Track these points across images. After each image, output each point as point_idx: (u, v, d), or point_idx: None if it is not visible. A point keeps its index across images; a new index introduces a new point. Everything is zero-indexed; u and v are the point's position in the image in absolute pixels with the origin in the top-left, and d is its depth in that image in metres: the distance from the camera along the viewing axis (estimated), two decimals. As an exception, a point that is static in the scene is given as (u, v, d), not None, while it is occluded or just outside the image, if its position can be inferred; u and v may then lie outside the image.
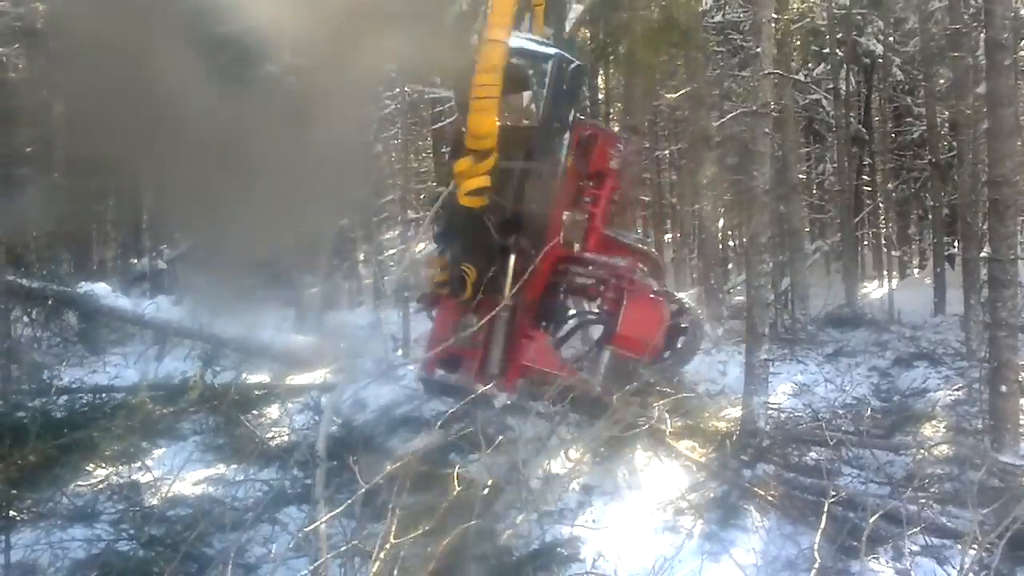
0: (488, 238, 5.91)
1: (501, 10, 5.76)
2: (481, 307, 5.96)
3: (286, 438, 7.07)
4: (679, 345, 6.98)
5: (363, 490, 4.98)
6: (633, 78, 11.79)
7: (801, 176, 21.60)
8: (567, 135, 6.33)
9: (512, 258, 5.96)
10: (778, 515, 6.02)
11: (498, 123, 5.73)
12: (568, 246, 6.58)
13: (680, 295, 7.12)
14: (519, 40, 6.16)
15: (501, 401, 5.90)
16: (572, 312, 7.04)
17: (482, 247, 5.95)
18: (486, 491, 5.32)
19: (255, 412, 7.63)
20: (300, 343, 9.76)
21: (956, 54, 14.16)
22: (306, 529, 4.75)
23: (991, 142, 7.70)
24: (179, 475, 5.96)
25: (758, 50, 7.97)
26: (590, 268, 6.51)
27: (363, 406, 7.88)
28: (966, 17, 14.16)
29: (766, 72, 7.90)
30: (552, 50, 6.47)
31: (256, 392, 8.11)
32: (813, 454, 7.41)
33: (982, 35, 10.43)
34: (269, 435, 7.15)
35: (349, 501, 4.99)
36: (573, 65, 6.40)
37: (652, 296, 6.51)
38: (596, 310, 6.52)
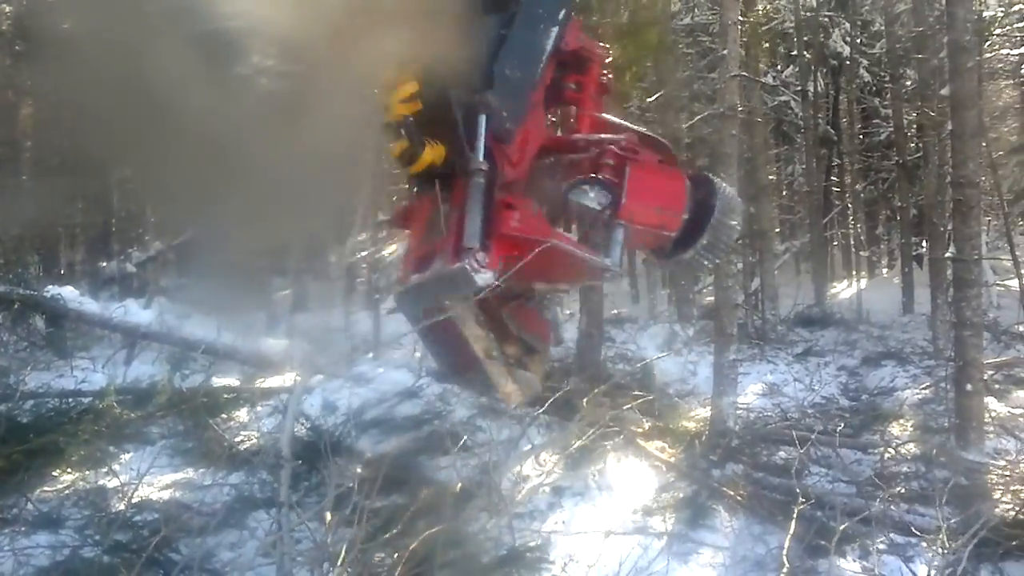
0: (449, 109, 4.61)
1: None
2: (453, 190, 4.77)
3: (255, 442, 7.02)
4: (702, 224, 5.35)
5: (332, 494, 4.99)
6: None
7: (771, 177, 21.77)
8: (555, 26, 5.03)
9: (482, 119, 4.73)
10: (747, 514, 6.05)
11: None
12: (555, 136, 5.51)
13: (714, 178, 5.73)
14: None
15: (485, 279, 4.26)
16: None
17: (443, 119, 4.64)
18: (456, 494, 5.34)
19: (224, 416, 7.59)
20: (269, 346, 9.71)
21: (921, 56, 14.32)
22: (272, 535, 4.76)
23: (954, 143, 7.79)
24: (146, 479, 5.90)
25: (724, 52, 8.04)
26: (581, 147, 5.29)
27: (333, 408, 7.86)
28: (931, 20, 14.33)
29: (732, 74, 7.96)
30: None
31: (225, 395, 8.07)
32: (782, 453, 7.46)
33: (946, 38, 10.54)
34: (238, 439, 7.10)
35: (319, 506, 5.01)
36: None
37: (666, 167, 5.43)
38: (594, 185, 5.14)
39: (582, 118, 5.45)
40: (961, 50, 7.50)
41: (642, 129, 6.06)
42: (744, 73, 10.07)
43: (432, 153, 4.50)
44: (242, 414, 7.84)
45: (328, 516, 4.84)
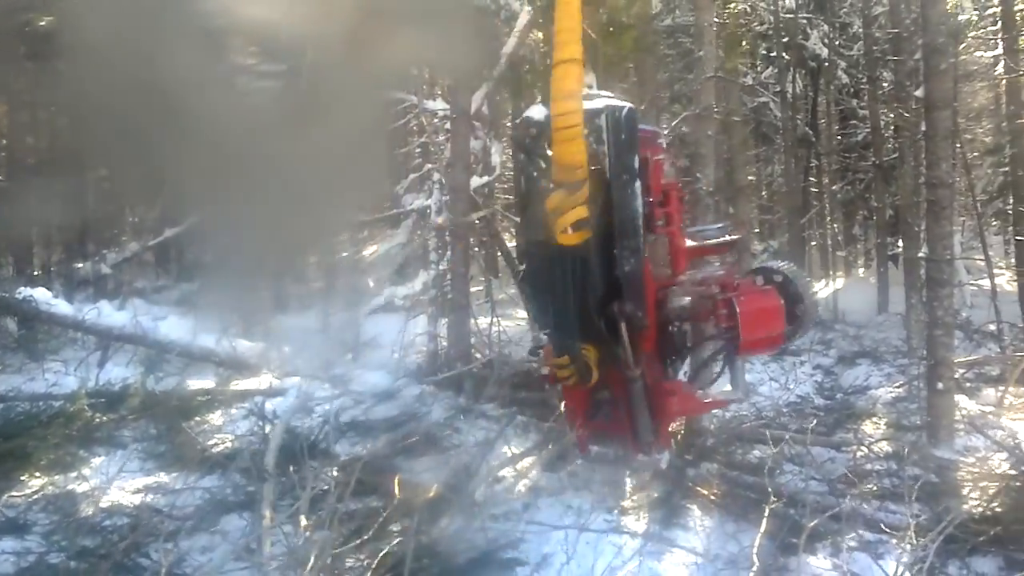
0: (590, 309, 5.67)
1: (568, 25, 5.18)
2: (610, 379, 5.92)
3: (229, 445, 6.99)
4: (799, 315, 6.44)
5: (308, 498, 4.98)
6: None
7: (751, 178, 21.86)
8: (638, 183, 5.85)
9: (623, 325, 5.68)
10: (721, 513, 6.08)
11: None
12: (661, 279, 6.22)
13: (779, 263, 6.67)
14: None
15: (665, 460, 6.09)
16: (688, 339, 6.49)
17: (589, 321, 5.68)
18: (431, 496, 5.33)
19: (198, 419, 7.56)
20: (246, 348, 9.66)
21: (897, 58, 14.42)
22: (246, 540, 4.75)
23: (928, 144, 7.85)
24: (117, 484, 5.88)
25: (701, 54, 8.08)
26: (688, 291, 6.17)
27: (309, 411, 7.84)
28: (907, 22, 14.44)
29: (708, 76, 8.00)
30: (600, 103, 5.97)
31: (199, 398, 8.03)
32: (757, 452, 7.49)
33: (920, 40, 10.62)
34: (212, 442, 7.06)
35: (293, 509, 5.01)
36: (625, 111, 5.89)
37: (760, 289, 6.26)
38: (713, 330, 6.09)
39: (676, 252, 6.27)
40: (935, 52, 7.55)
41: (720, 236, 6.81)
42: (720, 75, 10.12)
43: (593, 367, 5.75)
44: (216, 417, 7.81)
45: (303, 520, 4.85)
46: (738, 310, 5.85)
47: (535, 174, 5.87)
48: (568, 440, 6.25)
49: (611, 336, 5.70)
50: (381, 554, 4.52)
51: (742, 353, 6.17)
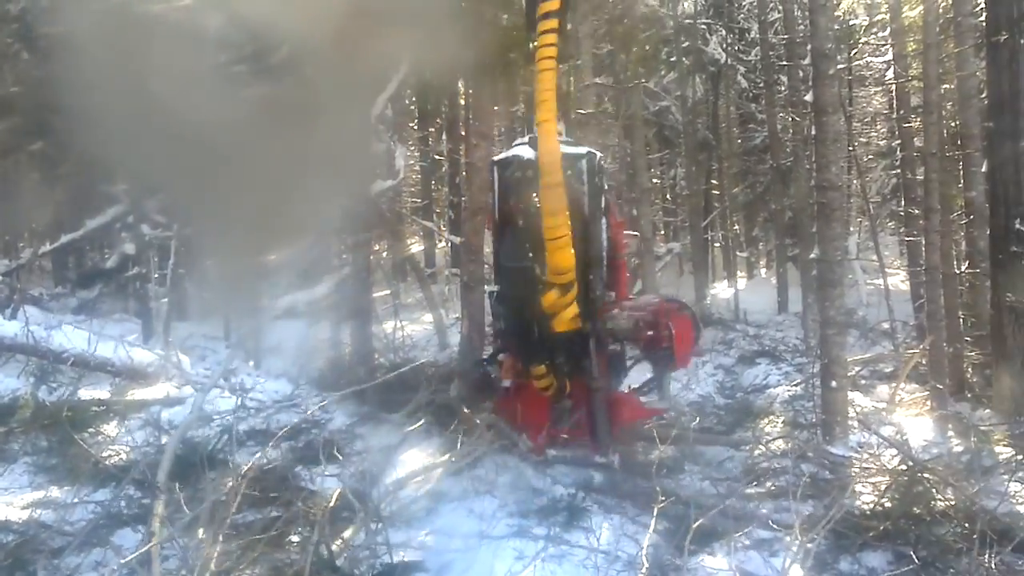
0: (570, 337, 6.70)
1: (550, 160, 6.20)
2: (573, 390, 7.12)
3: (124, 457, 6.80)
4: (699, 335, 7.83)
5: (207, 510, 4.87)
6: (480, 87, 11.85)
7: (655, 181, 22.19)
8: (604, 220, 7.06)
9: (592, 342, 6.79)
10: (621, 514, 6.12)
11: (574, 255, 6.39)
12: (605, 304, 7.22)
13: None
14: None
15: (617, 462, 6.80)
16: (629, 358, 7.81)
17: (565, 345, 6.77)
18: (330, 504, 5.27)
19: (92, 430, 7.34)
20: (143, 356, 9.42)
21: (790, 63, 14.79)
22: (139, 554, 4.61)
23: (818, 148, 8.05)
24: (5, 499, 5.68)
25: (579, 63, 8.17)
26: (628, 316, 7.21)
27: (208, 420, 7.66)
28: (799, 28, 14.82)
29: (586, 83, 8.10)
30: (583, 149, 7.16)
31: (94, 409, 7.81)
32: (658, 452, 7.58)
33: (810, 45, 10.93)
34: (106, 454, 6.85)
35: (190, 521, 4.89)
36: (599, 158, 7.17)
37: (683, 314, 7.45)
38: (650, 348, 7.31)
39: (622, 279, 7.70)
40: (823, 57, 7.76)
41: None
42: (598, 80, 10.29)
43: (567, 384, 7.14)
44: (111, 428, 7.58)
45: (200, 532, 4.74)
46: (673, 332, 7.05)
47: (521, 206, 6.98)
48: (480, 445, 6.56)
49: (581, 351, 6.81)
50: (281, 566, 4.46)
51: (676, 367, 7.55)
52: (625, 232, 8.06)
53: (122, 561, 4.59)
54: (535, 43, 6.44)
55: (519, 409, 7.21)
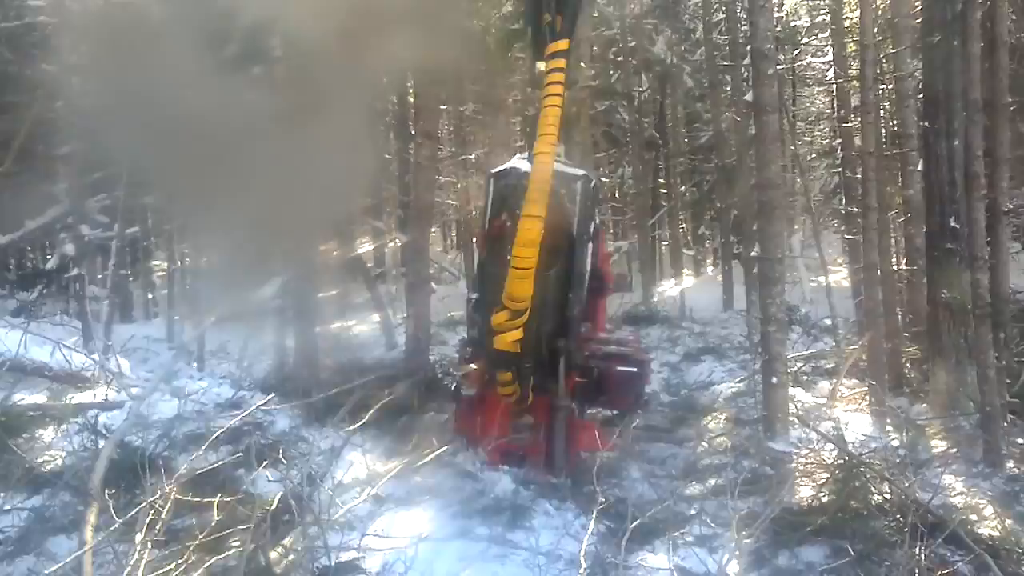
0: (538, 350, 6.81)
1: (539, 191, 6.25)
2: (536, 406, 7.15)
3: (59, 462, 6.67)
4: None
5: (146, 516, 4.79)
6: (426, 86, 11.84)
7: (604, 180, 22.24)
8: (591, 245, 7.16)
9: (562, 360, 6.88)
10: (563, 513, 6.14)
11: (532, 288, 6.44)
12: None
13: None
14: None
15: (568, 486, 6.64)
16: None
17: (535, 351, 6.80)
18: (270, 508, 5.22)
19: (26, 435, 7.19)
20: (81, 360, 9.24)
21: (732, 64, 14.93)
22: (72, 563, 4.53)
23: (757, 147, 8.13)
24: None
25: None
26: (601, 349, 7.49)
27: (147, 424, 7.54)
28: (742, 29, 14.97)
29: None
30: (580, 171, 7.38)
31: (29, 414, 7.64)
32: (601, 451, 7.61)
33: (749, 46, 11.05)
34: (40, 459, 6.72)
35: (126, 527, 4.80)
36: (594, 182, 7.38)
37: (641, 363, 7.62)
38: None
39: (601, 312, 8.03)
40: (762, 57, 7.83)
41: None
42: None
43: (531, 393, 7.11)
44: (48, 433, 7.43)
45: (138, 537, 4.67)
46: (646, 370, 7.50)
47: (506, 216, 7.06)
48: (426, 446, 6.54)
49: (550, 367, 6.91)
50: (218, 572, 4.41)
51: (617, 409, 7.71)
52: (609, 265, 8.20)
53: (53, 568, 4.50)
54: (542, 70, 6.68)
55: (478, 420, 7.25)
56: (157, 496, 5.09)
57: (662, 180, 22.84)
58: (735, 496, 5.16)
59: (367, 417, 7.19)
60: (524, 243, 6.26)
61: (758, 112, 8.05)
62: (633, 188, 21.04)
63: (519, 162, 7.34)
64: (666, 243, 23.98)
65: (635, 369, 7.44)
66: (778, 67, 9.69)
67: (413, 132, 21.61)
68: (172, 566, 4.52)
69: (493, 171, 7.70)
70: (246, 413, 6.72)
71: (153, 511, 4.98)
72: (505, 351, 6.56)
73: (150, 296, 19.08)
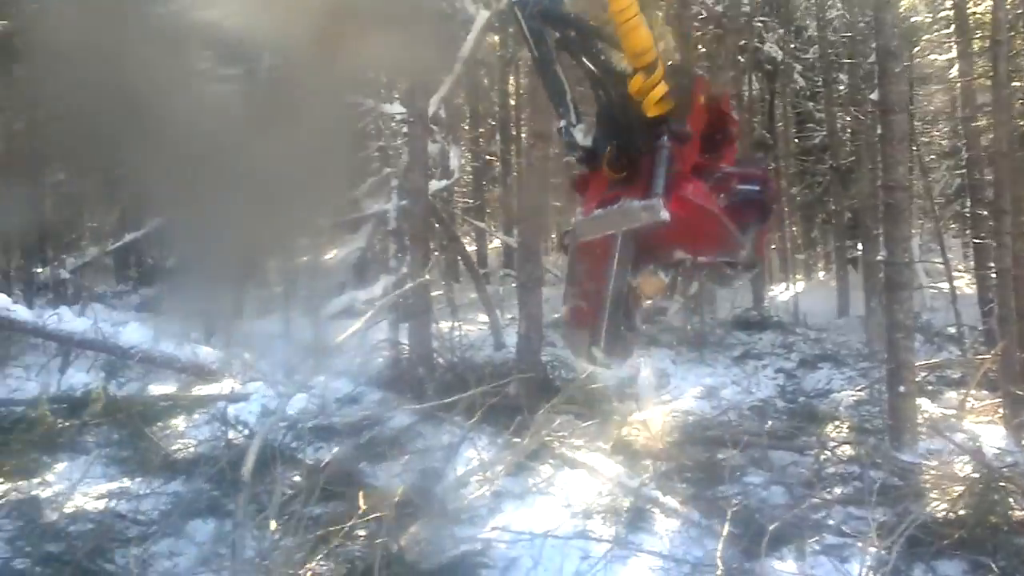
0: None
1: None
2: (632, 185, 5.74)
3: (192, 450, 6.93)
4: None
5: (277, 503, 4.94)
6: (537, 85, 11.82)
7: (710, 182, 21.91)
8: None
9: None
10: (685, 518, 6.08)
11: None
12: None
13: None
14: None
15: (663, 216, 5.04)
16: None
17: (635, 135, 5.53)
18: (396, 501, 5.31)
19: (160, 424, 7.49)
20: (207, 353, 9.57)
21: (852, 61, 14.57)
22: (216, 545, 4.69)
23: (884, 148, 7.92)
24: (81, 489, 5.80)
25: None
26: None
27: (278, 417, 7.76)
28: (861, 25, 14.59)
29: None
30: None
31: (161, 404, 7.96)
32: (720, 456, 7.52)
33: (875, 43, 10.74)
34: (175, 447, 6.99)
35: (262, 515, 4.95)
36: None
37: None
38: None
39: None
40: (889, 55, 7.63)
41: None
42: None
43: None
44: (179, 422, 7.73)
45: (272, 525, 4.81)
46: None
47: None
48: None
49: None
50: (351, 560, 4.51)
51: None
52: None
53: (216, 549, 4.69)
54: None
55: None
56: (295, 485, 5.24)
57: (771, 181, 22.42)
58: (872, 505, 5.02)
59: (482, 415, 7.27)
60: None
61: (884, 111, 7.85)
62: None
63: None
64: (773, 247, 23.56)
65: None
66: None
67: (516, 133, 21.76)
68: (308, 552, 4.65)
69: None
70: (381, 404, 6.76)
71: (290, 499, 5.14)
72: (659, 116, 5.47)
73: (264, 292, 19.53)
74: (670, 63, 5.04)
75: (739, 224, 5.66)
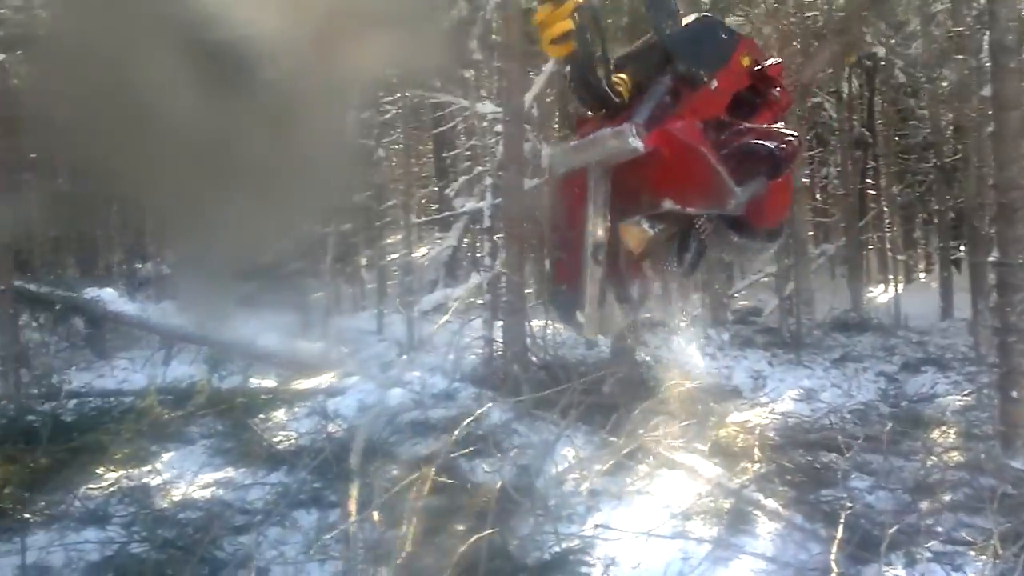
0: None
1: None
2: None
3: (294, 442, 7.07)
4: None
5: (381, 496, 5.01)
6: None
7: (805, 180, 21.57)
8: None
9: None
10: (788, 521, 5.98)
11: None
12: None
13: None
14: None
15: (637, 144, 4.48)
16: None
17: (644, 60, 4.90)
18: (497, 497, 5.33)
19: (262, 416, 7.66)
20: (304, 348, 9.76)
21: (960, 56, 14.14)
22: (325, 534, 4.78)
23: (997, 145, 7.68)
24: (187, 478, 5.98)
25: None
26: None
27: (368, 411, 7.88)
28: (969, 19, 14.16)
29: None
30: None
31: (263, 396, 8.14)
32: (822, 459, 7.38)
33: (985, 37, 10.40)
34: (277, 439, 7.14)
35: (368, 507, 5.03)
36: None
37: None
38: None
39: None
40: (1004, 50, 7.41)
41: None
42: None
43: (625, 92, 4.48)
44: (280, 415, 7.89)
45: (376, 516, 4.89)
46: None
47: None
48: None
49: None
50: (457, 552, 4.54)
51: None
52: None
53: (325, 537, 4.79)
54: None
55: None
56: (414, 478, 5.30)
57: (870, 180, 21.87)
58: (993, 512, 4.86)
59: (577, 413, 7.27)
60: None
61: (998, 108, 7.62)
62: (839, 188, 20.29)
63: None
64: (872, 247, 23.01)
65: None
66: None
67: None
68: (419, 545, 4.70)
69: None
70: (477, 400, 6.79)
71: (400, 492, 5.20)
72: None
73: (355, 290, 19.88)
74: (705, 14, 4.70)
75: (740, 175, 5.05)
